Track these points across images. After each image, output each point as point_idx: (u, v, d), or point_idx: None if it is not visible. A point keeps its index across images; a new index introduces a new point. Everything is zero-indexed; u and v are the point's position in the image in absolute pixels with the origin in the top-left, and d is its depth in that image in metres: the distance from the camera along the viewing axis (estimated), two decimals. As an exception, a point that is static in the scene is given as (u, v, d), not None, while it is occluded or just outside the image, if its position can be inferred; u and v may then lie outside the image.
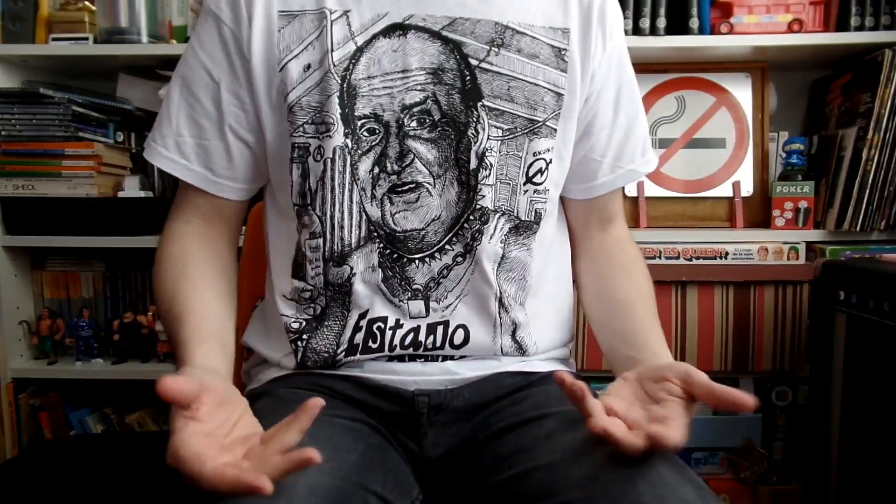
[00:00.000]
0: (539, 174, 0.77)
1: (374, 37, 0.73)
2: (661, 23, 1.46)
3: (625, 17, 1.45)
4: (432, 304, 0.76)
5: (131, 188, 1.58)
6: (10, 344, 1.61)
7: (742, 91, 1.58)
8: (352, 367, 0.77)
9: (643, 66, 1.59)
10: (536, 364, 0.81)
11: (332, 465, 0.62)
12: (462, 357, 0.78)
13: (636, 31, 1.47)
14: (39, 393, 1.66)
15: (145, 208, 1.60)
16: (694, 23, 1.46)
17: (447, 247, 0.75)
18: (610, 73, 0.80)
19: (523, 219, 0.77)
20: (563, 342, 0.85)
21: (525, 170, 0.76)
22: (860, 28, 1.45)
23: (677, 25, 1.47)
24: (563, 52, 0.76)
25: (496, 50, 0.74)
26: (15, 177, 1.55)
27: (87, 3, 1.58)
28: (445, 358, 0.77)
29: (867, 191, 1.42)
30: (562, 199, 0.86)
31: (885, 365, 1.18)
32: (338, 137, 0.73)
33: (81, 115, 1.57)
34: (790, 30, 1.47)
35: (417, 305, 0.75)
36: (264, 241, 0.86)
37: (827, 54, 1.54)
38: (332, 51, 0.72)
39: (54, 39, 1.55)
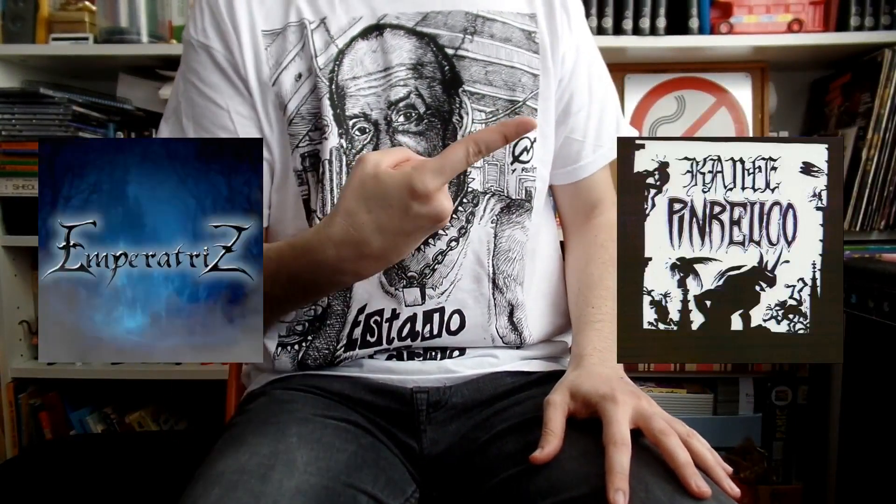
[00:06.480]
0: (525, 152, 0.79)
1: (353, 39, 0.76)
2: (661, 23, 1.46)
3: (624, 17, 1.45)
4: (428, 291, 0.76)
5: (131, 188, 1.58)
6: (10, 344, 1.61)
7: (742, 91, 1.58)
8: (350, 366, 0.77)
9: (643, 66, 1.59)
10: (534, 364, 0.81)
11: (320, 465, 0.62)
12: (460, 354, 0.78)
13: (636, 31, 1.47)
14: (39, 393, 1.66)
15: (145, 208, 1.60)
16: (694, 23, 1.46)
17: (441, 232, 0.76)
18: (580, 56, 0.82)
19: (514, 197, 0.78)
20: (557, 328, 0.84)
21: (511, 149, 0.78)
22: (860, 28, 1.45)
23: (677, 25, 1.47)
24: (532, 35, 0.79)
25: (470, 37, 0.77)
26: (15, 177, 1.55)
27: (87, 3, 1.58)
28: (444, 356, 0.77)
29: (867, 191, 1.43)
30: (550, 188, 0.86)
31: (885, 365, 1.18)
32: (333, 139, 0.74)
33: (81, 115, 1.57)
34: (790, 30, 1.47)
35: (413, 293, 0.76)
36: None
37: (827, 54, 1.54)
38: (317, 56, 0.75)
39: (54, 39, 1.55)
